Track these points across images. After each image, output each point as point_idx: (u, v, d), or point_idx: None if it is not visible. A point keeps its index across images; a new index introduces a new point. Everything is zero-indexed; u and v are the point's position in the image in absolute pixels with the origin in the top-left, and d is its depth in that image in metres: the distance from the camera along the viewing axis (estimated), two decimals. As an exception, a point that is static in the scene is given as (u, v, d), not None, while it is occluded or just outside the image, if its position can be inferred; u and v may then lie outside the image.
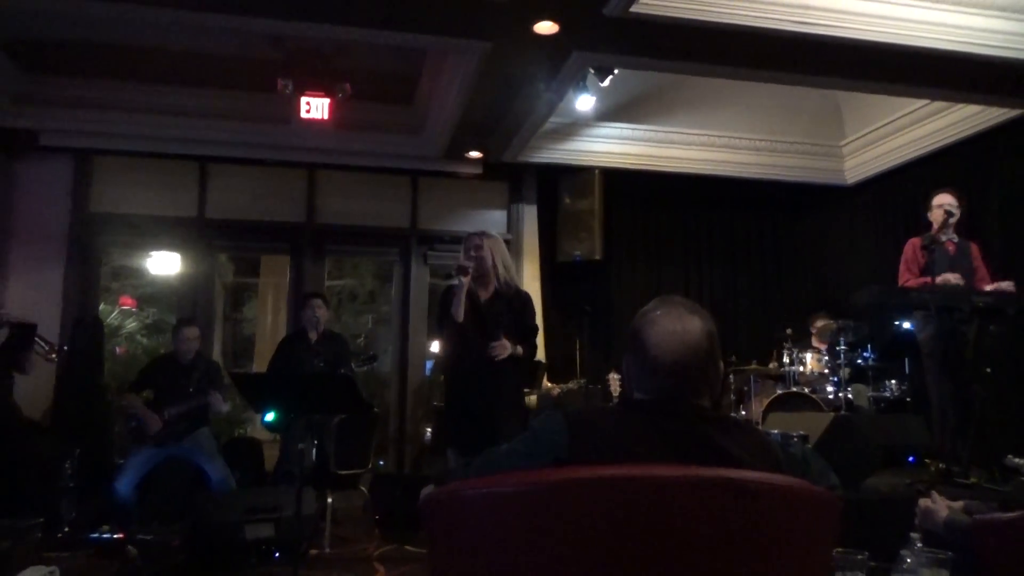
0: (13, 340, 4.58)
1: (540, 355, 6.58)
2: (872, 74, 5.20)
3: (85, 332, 5.73)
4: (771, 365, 6.31)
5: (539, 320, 6.76)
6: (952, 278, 4.51)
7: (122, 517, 4.70)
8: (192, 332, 5.08)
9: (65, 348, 4.88)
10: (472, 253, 3.75)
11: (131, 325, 7.80)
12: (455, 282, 3.75)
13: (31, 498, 4.46)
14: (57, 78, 5.94)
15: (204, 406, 4.92)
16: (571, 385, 6.10)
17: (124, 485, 4.71)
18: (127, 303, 8.24)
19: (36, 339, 4.65)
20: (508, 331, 3.70)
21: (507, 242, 7.11)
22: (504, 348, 3.64)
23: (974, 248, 4.83)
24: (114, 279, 8.72)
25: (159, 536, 4.54)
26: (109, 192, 6.41)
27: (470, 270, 3.68)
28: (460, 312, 3.64)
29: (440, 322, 3.80)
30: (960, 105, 6.00)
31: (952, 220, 4.68)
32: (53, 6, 4.63)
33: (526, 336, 3.80)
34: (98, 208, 6.37)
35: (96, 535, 4.60)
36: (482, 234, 3.87)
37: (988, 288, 4.56)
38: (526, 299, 3.88)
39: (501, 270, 3.79)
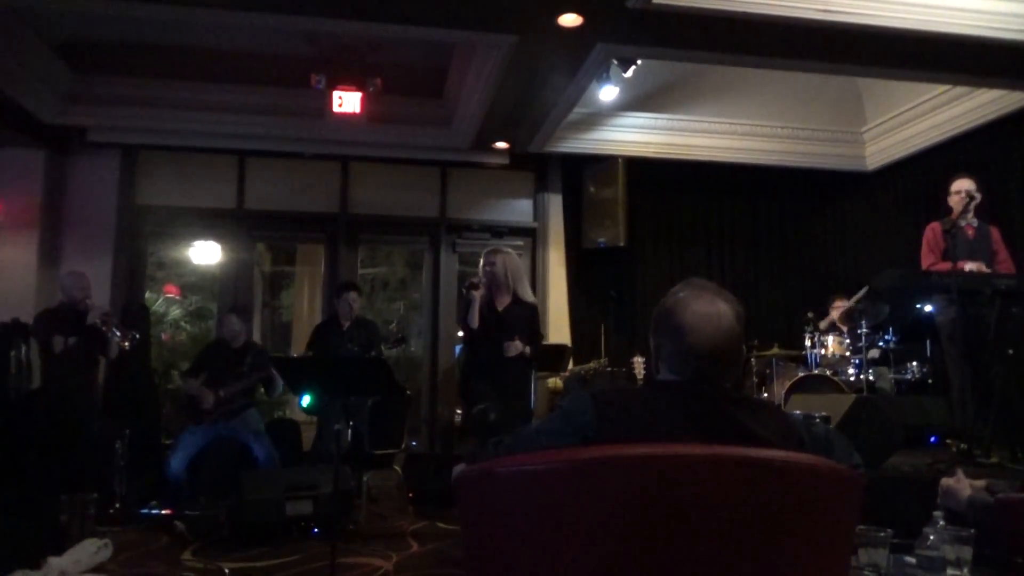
0: (76, 325, 4.83)
1: (566, 339, 6.73)
2: (894, 61, 5.17)
3: (133, 319, 5.99)
4: (788, 348, 6.34)
5: (565, 305, 6.98)
6: (972, 266, 4.51)
7: (173, 493, 4.94)
8: (232, 319, 5.32)
9: (137, 336, 5.15)
10: (487, 268, 4.30)
11: (175, 312, 8.04)
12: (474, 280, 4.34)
13: (85, 475, 4.68)
14: (104, 77, 6.14)
15: (254, 386, 5.17)
16: (592, 365, 6.17)
17: (176, 463, 4.95)
18: (171, 291, 8.49)
19: (110, 326, 4.90)
20: (522, 335, 4.26)
21: (533, 230, 7.26)
22: (516, 348, 4.22)
23: (994, 232, 4.76)
24: (159, 268, 8.93)
25: (206, 512, 4.73)
26: (154, 185, 6.65)
27: (480, 285, 4.25)
28: (475, 319, 4.21)
29: (462, 324, 4.40)
30: (981, 91, 5.95)
31: (973, 204, 4.67)
32: (102, 9, 4.82)
33: (533, 340, 4.38)
34: (144, 200, 6.62)
35: (146, 510, 4.82)
36: (496, 251, 4.43)
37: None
38: (535, 309, 4.48)
39: (511, 282, 4.33)
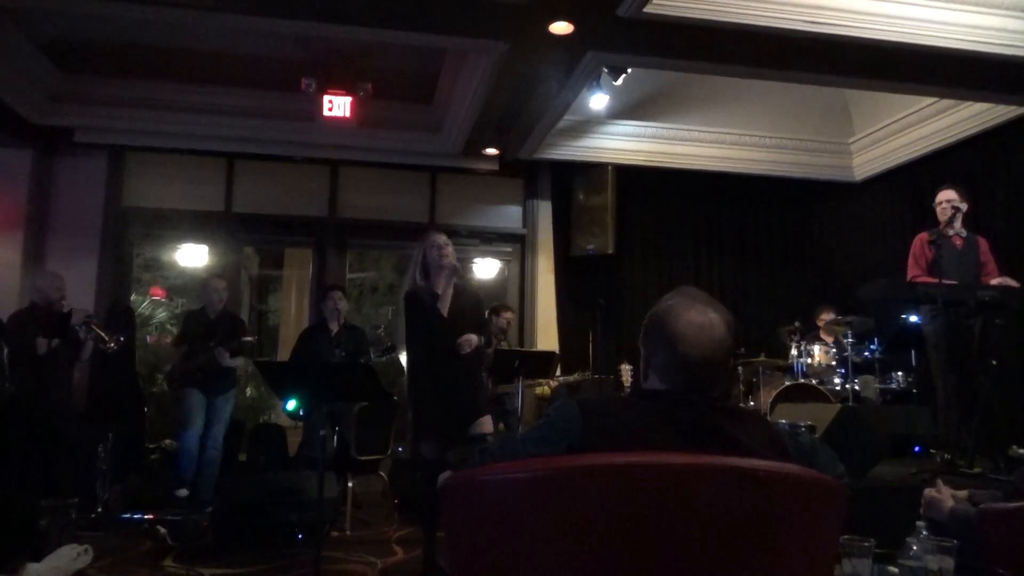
0: (60, 327, 4.78)
1: (554, 346, 6.73)
2: (882, 73, 5.22)
3: (118, 321, 5.95)
4: (774, 356, 6.36)
5: (553, 312, 6.97)
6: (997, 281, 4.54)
7: (183, 475, 5.03)
8: (218, 283, 5.43)
9: (123, 339, 5.13)
10: (445, 252, 3.70)
11: (161, 315, 8.01)
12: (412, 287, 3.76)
13: (67, 480, 4.65)
14: (92, 77, 6.11)
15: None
16: (575, 377, 6.15)
17: (190, 440, 5.05)
18: (157, 294, 8.45)
19: (94, 328, 4.85)
20: (474, 326, 3.73)
21: (522, 236, 7.27)
22: (471, 342, 3.65)
23: (982, 242, 4.80)
24: (145, 270, 8.89)
25: (189, 517, 4.73)
26: (141, 187, 6.62)
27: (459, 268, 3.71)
28: (445, 311, 3.65)
29: (425, 322, 3.69)
30: (967, 103, 6.02)
31: (959, 215, 4.70)
32: (91, 9, 4.78)
33: (478, 331, 3.80)
34: (130, 202, 6.58)
35: (128, 515, 4.81)
36: (442, 232, 3.85)
37: (994, 282, 4.59)
38: (479, 298, 3.94)
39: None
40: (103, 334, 4.89)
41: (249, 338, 5.40)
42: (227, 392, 5.28)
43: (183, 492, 4.86)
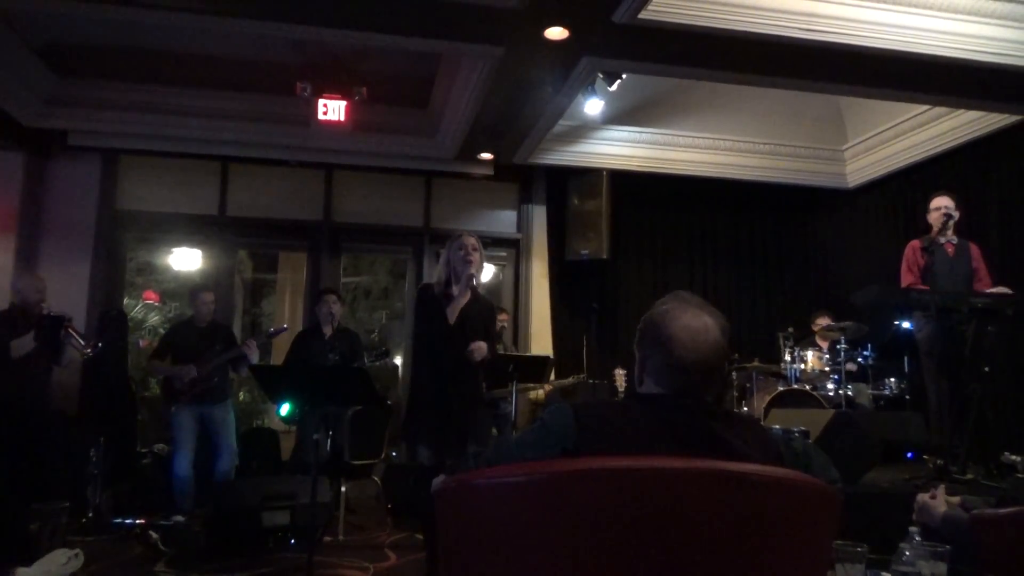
0: (50, 331, 4.72)
1: (548, 350, 6.73)
2: (876, 80, 5.25)
3: (110, 325, 5.92)
4: (768, 362, 6.37)
5: (547, 316, 6.97)
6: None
7: (178, 499, 4.91)
8: (209, 296, 5.33)
9: (100, 345, 5.07)
10: (470, 257, 3.61)
11: (154, 319, 7.97)
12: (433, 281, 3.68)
13: (58, 484, 4.60)
14: (86, 81, 6.09)
15: (237, 359, 5.14)
16: (569, 381, 6.12)
17: (181, 465, 4.93)
18: (150, 297, 8.41)
19: (72, 333, 4.79)
20: (482, 335, 3.63)
21: (517, 241, 7.27)
22: (482, 350, 3.55)
23: (974, 249, 4.83)
24: (138, 274, 8.86)
25: (181, 521, 4.71)
26: (134, 190, 6.59)
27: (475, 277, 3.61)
28: (454, 315, 3.54)
29: (427, 323, 3.62)
30: (960, 111, 6.05)
31: (951, 222, 4.74)
32: (86, 12, 4.76)
33: (488, 341, 3.69)
34: (124, 206, 6.55)
35: (119, 520, 4.79)
36: (473, 235, 3.74)
37: (988, 291, 4.63)
38: (493, 306, 3.87)
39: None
40: (79, 339, 4.84)
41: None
42: (224, 401, 5.20)
43: (179, 519, 4.77)
